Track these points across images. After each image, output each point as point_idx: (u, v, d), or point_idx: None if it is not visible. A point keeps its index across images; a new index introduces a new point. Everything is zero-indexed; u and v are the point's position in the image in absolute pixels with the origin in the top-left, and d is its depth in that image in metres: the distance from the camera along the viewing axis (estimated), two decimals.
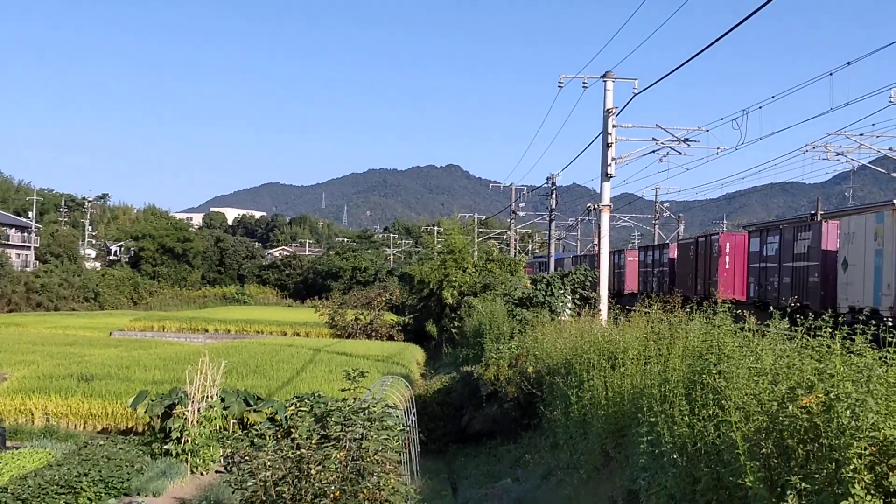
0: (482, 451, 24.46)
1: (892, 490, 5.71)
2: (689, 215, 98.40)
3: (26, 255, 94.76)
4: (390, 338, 52.85)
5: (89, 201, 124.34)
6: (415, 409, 22.43)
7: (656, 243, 59.73)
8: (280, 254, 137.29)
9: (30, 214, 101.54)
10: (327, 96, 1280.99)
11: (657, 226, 76.78)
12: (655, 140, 29.49)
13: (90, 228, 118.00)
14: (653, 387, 10.37)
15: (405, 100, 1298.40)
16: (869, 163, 39.97)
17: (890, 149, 33.33)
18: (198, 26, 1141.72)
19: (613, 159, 28.06)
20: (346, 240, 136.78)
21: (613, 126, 27.97)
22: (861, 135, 34.41)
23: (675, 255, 43.18)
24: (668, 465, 8.91)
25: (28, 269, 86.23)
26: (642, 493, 10.27)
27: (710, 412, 8.41)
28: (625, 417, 12.72)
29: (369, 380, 18.32)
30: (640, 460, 10.27)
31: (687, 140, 29.39)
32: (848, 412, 6.11)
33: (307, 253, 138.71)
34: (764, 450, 7.00)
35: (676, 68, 21.22)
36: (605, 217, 29.41)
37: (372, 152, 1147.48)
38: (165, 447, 19.78)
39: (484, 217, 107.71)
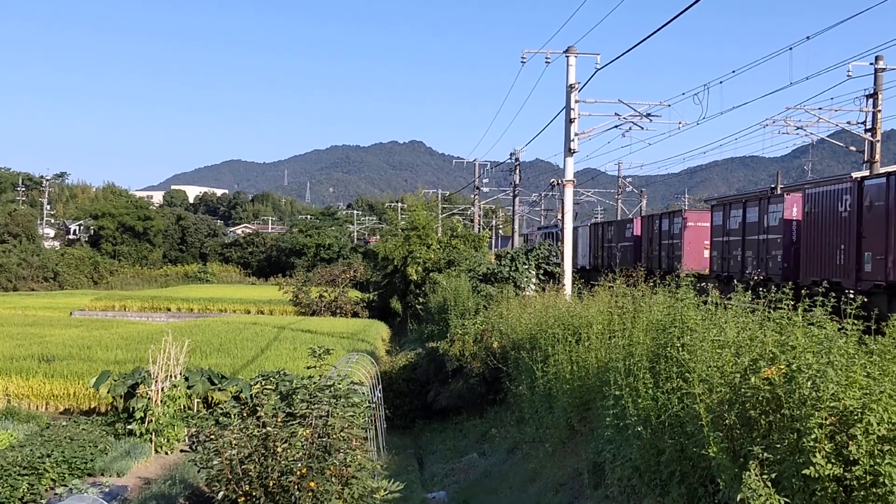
0: (448, 427, 24.58)
1: (851, 459, 5.82)
2: (651, 190, 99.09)
3: None
4: (355, 315, 52.79)
5: (47, 180, 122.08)
6: (380, 386, 22.47)
7: (752, 193, 41.36)
8: (242, 231, 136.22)
9: None
10: (288, 73, 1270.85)
11: (620, 200, 77.26)
12: (618, 115, 29.60)
13: (48, 207, 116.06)
14: (617, 360, 10.46)
15: (368, 76, 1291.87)
16: (827, 136, 40.45)
17: (848, 122, 33.69)
18: (160, 4, 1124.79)
19: (576, 134, 28.15)
20: (309, 217, 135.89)
21: (576, 101, 28.03)
22: (820, 109, 34.77)
23: (804, 214, 25.48)
24: (633, 437, 9.01)
25: None
26: (607, 465, 10.38)
27: (674, 385, 8.51)
28: (589, 391, 12.84)
29: (335, 357, 18.29)
30: (605, 433, 10.38)
31: (649, 115, 29.54)
32: (809, 383, 6.21)
33: (270, 230, 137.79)
34: (727, 421, 7.10)
35: (638, 43, 21.30)
36: (569, 192, 29.52)
37: (334, 129, 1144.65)
38: (129, 427, 19.63)
39: (448, 193, 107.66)
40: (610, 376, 10.20)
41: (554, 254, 34.83)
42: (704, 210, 37.18)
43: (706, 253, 32.81)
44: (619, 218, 63.09)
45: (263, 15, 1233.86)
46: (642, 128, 29.95)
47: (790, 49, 28.12)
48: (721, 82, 27.80)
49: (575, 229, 51.50)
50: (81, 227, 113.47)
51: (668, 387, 8.70)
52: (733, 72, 28.10)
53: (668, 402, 8.57)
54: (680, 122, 29.96)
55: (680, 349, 8.78)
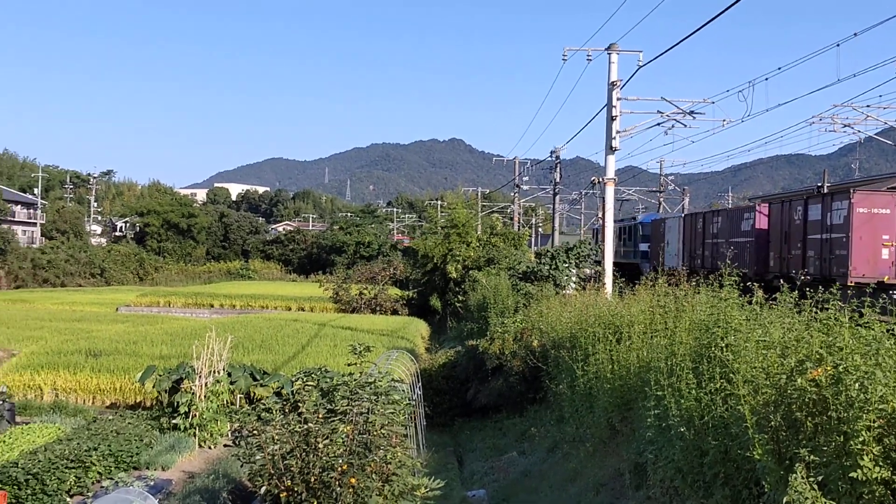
0: (488, 425, 24.57)
1: None
2: (693, 188, 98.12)
3: (32, 231, 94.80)
4: (394, 312, 52.86)
5: (94, 177, 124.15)
6: (420, 383, 22.49)
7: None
8: (284, 229, 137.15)
9: (35, 191, 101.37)
10: (330, 70, 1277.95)
11: (662, 199, 76.58)
12: (660, 113, 29.37)
13: (95, 205, 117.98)
14: (659, 360, 10.38)
15: (408, 73, 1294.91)
16: (875, 134, 39.83)
17: None
18: (206, 11, 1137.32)
19: (618, 132, 27.96)
20: (349, 214, 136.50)
21: (618, 99, 27.85)
22: (868, 106, 34.26)
23: None
24: (676, 438, 8.94)
25: (34, 246, 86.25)
26: (649, 466, 10.30)
27: (718, 385, 8.43)
28: (631, 391, 12.76)
29: (374, 354, 18.35)
30: (646, 434, 10.30)
31: (692, 112, 29.25)
32: (856, 385, 6.12)
33: (311, 228, 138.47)
34: (772, 423, 7.01)
35: (681, 41, 21.09)
36: (610, 190, 29.35)
37: (375, 126, 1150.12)
38: (173, 421, 19.87)
39: (487, 191, 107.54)
40: (651, 376, 10.12)
41: (594, 252, 34.62)
42: (886, 192, 26.04)
43: (885, 253, 23.91)
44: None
45: (307, 21, 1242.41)
46: (685, 125, 29.71)
47: (837, 45, 27.66)
48: (766, 79, 27.45)
49: (661, 221, 44.26)
50: (127, 224, 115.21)
51: (711, 387, 8.61)
52: (779, 68, 27.67)
53: (711, 403, 8.49)
54: (724, 120, 29.65)
55: (724, 349, 8.69)
